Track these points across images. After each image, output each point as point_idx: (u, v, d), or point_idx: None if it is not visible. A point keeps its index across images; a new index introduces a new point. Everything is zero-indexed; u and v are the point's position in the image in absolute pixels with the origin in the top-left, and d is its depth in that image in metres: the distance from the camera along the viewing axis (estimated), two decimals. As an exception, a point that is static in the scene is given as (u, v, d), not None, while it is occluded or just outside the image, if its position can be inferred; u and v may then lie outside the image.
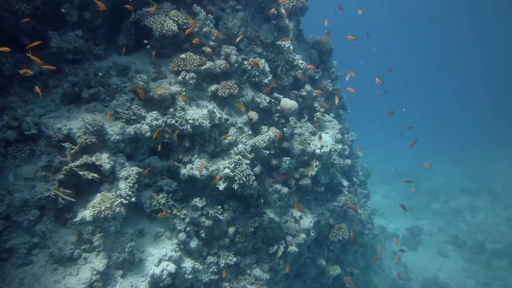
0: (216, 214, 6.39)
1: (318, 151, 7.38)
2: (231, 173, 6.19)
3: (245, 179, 6.14)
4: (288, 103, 6.84)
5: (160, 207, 5.98)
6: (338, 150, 8.31)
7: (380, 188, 28.39)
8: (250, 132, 6.76)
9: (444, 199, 25.22)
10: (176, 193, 6.33)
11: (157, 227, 6.12)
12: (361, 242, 9.93)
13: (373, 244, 15.06)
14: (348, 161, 8.75)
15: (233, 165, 6.23)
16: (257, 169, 6.60)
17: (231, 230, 6.61)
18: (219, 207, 6.48)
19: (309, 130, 7.70)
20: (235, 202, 6.68)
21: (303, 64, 7.97)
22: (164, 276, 5.67)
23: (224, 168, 6.24)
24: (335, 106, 9.58)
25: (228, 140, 6.49)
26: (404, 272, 16.28)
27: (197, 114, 6.16)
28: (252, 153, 6.53)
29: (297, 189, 7.57)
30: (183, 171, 6.18)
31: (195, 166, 6.21)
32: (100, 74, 5.96)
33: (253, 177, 6.23)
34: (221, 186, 6.25)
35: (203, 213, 6.40)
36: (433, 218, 22.60)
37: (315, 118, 8.18)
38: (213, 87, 6.49)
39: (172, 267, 5.75)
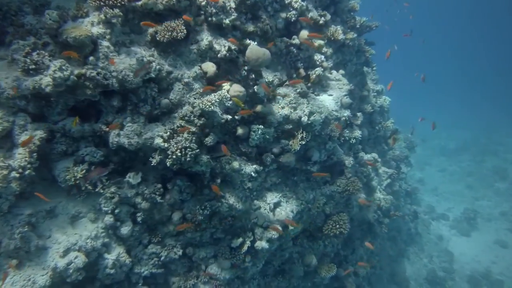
0: (154, 195, 4.73)
1: (304, 118, 5.22)
2: (163, 144, 4.41)
3: (179, 154, 4.32)
4: (255, 51, 4.72)
5: (78, 182, 4.47)
6: (344, 118, 6.02)
7: (437, 161, 24.23)
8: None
9: (513, 179, 20.73)
10: (107, 165, 4.77)
11: (78, 206, 4.66)
12: (379, 233, 7.69)
13: (410, 228, 12.43)
14: (357, 133, 6.40)
15: (168, 133, 4.43)
16: (210, 139, 4.72)
17: (176, 216, 4.93)
18: (159, 186, 4.80)
19: (298, 90, 5.50)
20: (184, 180, 4.93)
21: (297, 3, 5.65)
22: (71, 271, 4.23)
23: (158, 136, 4.47)
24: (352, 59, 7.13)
25: (171, 99, 4.66)
26: (448, 261, 13.42)
27: (123, 64, 4.39)
28: (203, 118, 4.64)
29: (278, 167, 5.56)
30: (110, 138, 4.55)
31: (124, 133, 4.53)
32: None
33: (194, 151, 4.39)
34: (154, 160, 4.53)
35: (138, 192, 4.79)
36: (496, 200, 18.56)
37: (313, 75, 5.91)
38: (151, 29, 4.62)
39: (81, 260, 4.29)
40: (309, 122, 5.27)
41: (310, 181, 5.94)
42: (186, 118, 4.62)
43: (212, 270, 5.17)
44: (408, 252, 12.30)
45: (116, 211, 4.70)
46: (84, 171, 4.48)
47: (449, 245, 14.64)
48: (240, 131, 5.04)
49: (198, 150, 4.51)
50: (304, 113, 5.25)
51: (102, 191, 4.62)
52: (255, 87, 5.00)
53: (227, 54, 4.75)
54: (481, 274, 13.02)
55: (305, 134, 5.29)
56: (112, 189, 4.68)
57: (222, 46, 4.79)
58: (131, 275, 5.01)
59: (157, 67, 4.55)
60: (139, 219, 4.84)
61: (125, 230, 4.78)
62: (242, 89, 4.82)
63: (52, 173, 4.58)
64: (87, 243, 4.42)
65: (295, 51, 5.83)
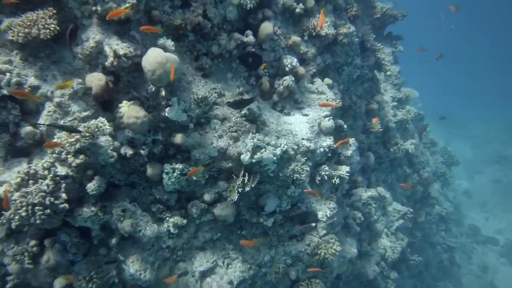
0: (21, 257, 3.29)
1: (246, 156, 3.41)
2: (12, 196, 2.91)
3: (25, 214, 2.79)
4: (152, 59, 2.92)
5: None
6: (323, 150, 4.09)
7: (490, 169, 20.21)
8: (90, 112, 3.21)
9: None
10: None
11: None
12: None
13: (442, 260, 9.96)
14: (343, 170, 4.39)
15: (19, 179, 2.91)
16: (94, 185, 3.13)
17: (59, 284, 3.45)
18: (32, 243, 3.33)
19: (243, 112, 3.68)
20: (74, 234, 3.42)
21: (257, -18, 3.76)
22: None
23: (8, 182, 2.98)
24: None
25: (40, 129, 3.14)
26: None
27: (-43, 75, 2.92)
28: (81, 156, 3.05)
29: (215, 219, 3.83)
30: (-42, 178, 3.15)
31: (-26, 172, 3.11)
32: None
33: (47, 211, 2.84)
34: (6, 214, 3.04)
35: (4, 250, 3.38)
36: None
37: (280, 87, 4.03)
38: (4, 24, 3.06)
39: None
40: (252, 161, 3.45)
41: (268, 235, 4.13)
42: (55, 155, 3.06)
43: None
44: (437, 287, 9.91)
45: (-27, 274, 3.36)
46: None
47: (496, 278, 11.81)
48: (149, 171, 3.38)
49: (64, 205, 2.95)
50: (246, 147, 3.43)
51: (-51, 248, 3.27)
52: (167, 109, 3.27)
53: (115, 63, 3.06)
54: (534, 321, 10.24)
55: (248, 177, 3.48)
56: (-32, 245, 3.32)
57: (114, 48, 3.11)
58: None
59: (14, 80, 3.02)
60: (9, 285, 3.45)
61: (-11, 299, 3.43)
62: (142, 113, 3.12)
63: None
64: None
65: (252, 50, 3.96)
